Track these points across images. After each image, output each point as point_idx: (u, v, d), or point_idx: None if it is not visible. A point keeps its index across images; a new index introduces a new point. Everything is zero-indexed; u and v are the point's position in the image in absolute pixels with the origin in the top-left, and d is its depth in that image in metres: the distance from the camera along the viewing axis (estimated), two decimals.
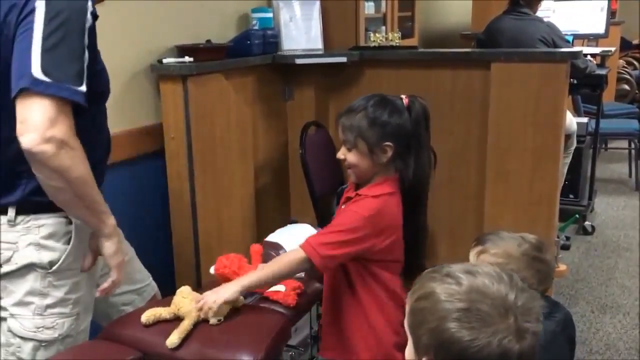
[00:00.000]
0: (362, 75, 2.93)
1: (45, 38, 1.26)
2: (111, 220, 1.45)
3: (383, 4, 4.03)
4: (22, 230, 1.41)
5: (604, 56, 4.21)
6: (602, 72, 3.84)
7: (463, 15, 5.95)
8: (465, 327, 0.91)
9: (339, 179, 2.74)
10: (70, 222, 1.45)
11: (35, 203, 1.40)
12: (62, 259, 1.43)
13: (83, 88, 1.29)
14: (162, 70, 2.31)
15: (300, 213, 2.98)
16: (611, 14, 4.74)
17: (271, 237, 2.23)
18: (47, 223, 1.42)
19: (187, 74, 2.29)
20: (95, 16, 1.37)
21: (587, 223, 4.03)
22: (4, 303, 1.44)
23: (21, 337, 1.44)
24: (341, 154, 1.76)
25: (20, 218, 1.41)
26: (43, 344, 1.45)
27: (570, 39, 3.83)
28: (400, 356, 1.69)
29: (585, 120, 4.09)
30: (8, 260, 1.41)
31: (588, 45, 4.70)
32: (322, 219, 2.62)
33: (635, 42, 7.01)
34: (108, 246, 1.45)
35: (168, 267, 2.42)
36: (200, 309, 1.59)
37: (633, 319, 2.95)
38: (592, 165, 4.12)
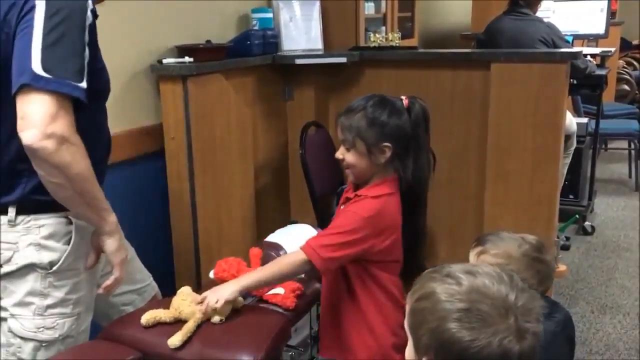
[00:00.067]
0: (362, 75, 2.93)
1: (45, 35, 1.26)
2: (112, 218, 1.45)
3: (383, 4, 4.04)
4: (22, 231, 1.41)
5: (603, 56, 4.21)
6: (602, 72, 3.84)
7: (463, 16, 5.95)
8: (465, 327, 0.91)
9: (339, 179, 2.74)
10: (70, 222, 1.44)
11: (36, 202, 1.40)
12: (62, 259, 1.43)
13: (83, 84, 1.29)
14: (162, 71, 2.31)
15: (300, 213, 2.98)
16: (611, 14, 4.74)
17: (271, 238, 2.23)
18: (47, 223, 1.42)
19: (187, 74, 2.29)
20: (95, 14, 1.37)
21: (587, 223, 4.02)
22: (4, 303, 1.44)
23: (22, 338, 1.44)
24: (339, 153, 1.76)
25: (20, 218, 1.41)
26: (44, 344, 1.45)
27: (570, 39, 3.83)
28: (399, 357, 1.70)
29: (585, 120, 4.09)
30: (8, 260, 1.41)
31: (588, 46, 4.70)
32: (322, 219, 2.62)
33: (635, 42, 7.02)
34: (110, 243, 1.45)
35: (168, 267, 2.42)
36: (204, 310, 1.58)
37: (633, 320, 2.94)
38: (592, 166, 4.12)
